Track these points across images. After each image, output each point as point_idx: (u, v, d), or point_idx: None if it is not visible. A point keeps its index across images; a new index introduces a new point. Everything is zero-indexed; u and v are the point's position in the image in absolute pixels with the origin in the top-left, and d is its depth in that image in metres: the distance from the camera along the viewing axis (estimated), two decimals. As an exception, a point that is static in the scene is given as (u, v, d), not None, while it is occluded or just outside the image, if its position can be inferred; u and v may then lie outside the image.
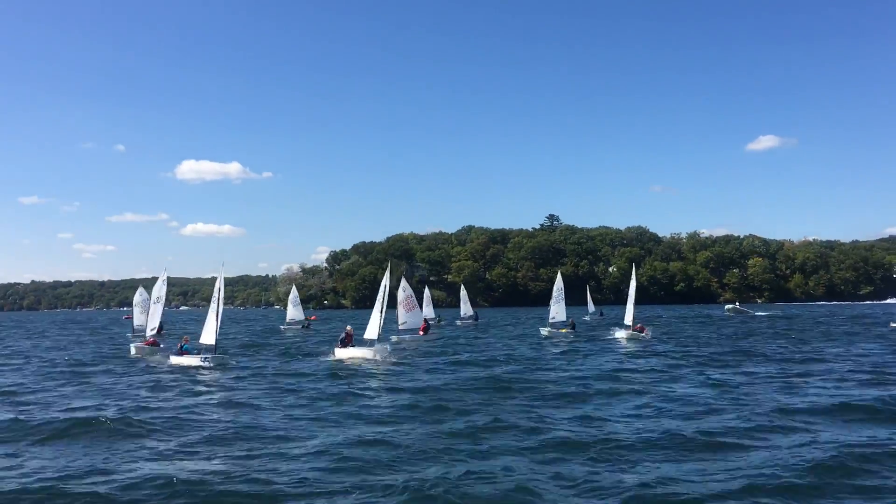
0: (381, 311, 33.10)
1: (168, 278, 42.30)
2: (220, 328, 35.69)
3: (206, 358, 30.33)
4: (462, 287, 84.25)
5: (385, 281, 34.04)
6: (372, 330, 33.16)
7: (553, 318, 53.29)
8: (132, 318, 59.16)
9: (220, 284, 31.79)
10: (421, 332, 49.89)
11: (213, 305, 31.84)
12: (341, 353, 33.03)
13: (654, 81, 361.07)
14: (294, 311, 72.11)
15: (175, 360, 31.81)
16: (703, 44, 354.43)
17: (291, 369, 28.75)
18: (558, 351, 36.72)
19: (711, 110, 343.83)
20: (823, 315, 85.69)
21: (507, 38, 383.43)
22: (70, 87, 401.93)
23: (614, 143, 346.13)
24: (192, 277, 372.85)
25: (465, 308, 78.04)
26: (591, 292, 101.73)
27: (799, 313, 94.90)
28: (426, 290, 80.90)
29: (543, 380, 23.61)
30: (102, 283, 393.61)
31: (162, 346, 38.83)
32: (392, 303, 41.90)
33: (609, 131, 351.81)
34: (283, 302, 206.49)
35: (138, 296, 55.61)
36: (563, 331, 50.73)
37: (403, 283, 51.80)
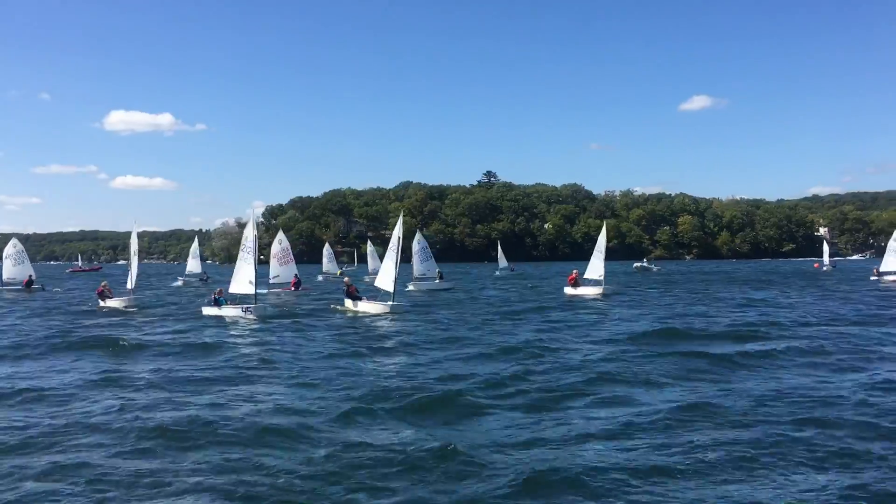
0: (396, 263, 31.43)
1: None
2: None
3: (247, 308, 29.96)
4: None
5: (398, 231, 31.87)
6: (386, 280, 32.33)
7: (423, 274, 53.89)
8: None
9: (251, 232, 31.12)
10: (292, 288, 48.97)
11: (244, 254, 31.35)
12: (360, 306, 32.48)
13: (593, 40, 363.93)
14: (193, 264, 71.81)
15: (210, 311, 31.26)
16: (641, 3, 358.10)
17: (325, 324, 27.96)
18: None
19: (647, 69, 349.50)
20: (713, 271, 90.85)
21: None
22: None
23: (553, 101, 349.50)
24: (122, 231, 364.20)
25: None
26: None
27: (698, 270, 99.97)
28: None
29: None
30: (27, 237, 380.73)
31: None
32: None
33: (548, 89, 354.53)
34: (219, 256, 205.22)
35: (11, 247, 54.41)
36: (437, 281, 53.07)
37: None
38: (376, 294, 34.00)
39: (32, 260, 63.44)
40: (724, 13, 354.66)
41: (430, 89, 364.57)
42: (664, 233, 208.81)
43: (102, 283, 39.82)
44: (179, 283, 65.92)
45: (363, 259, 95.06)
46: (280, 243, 50.30)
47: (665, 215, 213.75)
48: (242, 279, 30.95)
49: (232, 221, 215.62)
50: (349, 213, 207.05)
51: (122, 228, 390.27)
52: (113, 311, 34.76)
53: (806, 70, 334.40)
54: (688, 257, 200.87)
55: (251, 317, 29.36)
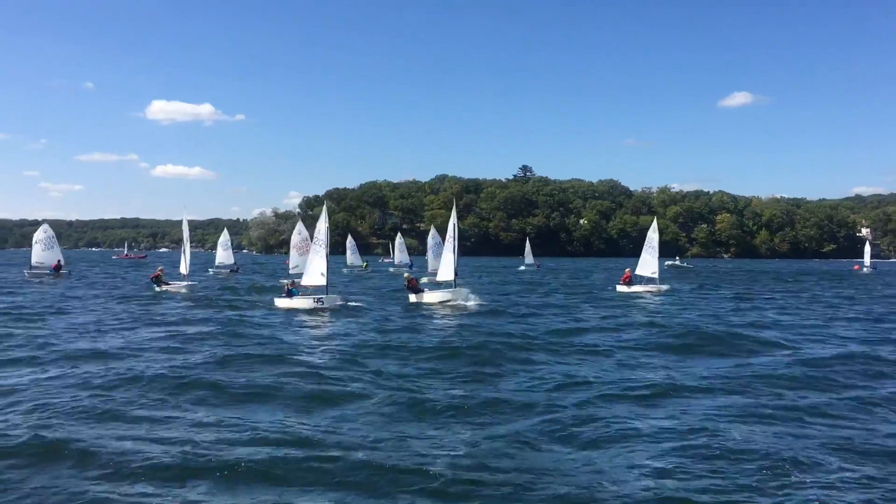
0: (455, 252, 32.59)
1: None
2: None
3: (319, 299, 30.13)
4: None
5: (453, 220, 33.32)
6: (446, 272, 33.16)
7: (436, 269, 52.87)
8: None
9: (323, 224, 31.65)
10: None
11: (316, 247, 31.65)
12: (426, 298, 32.60)
13: (632, 35, 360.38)
14: (224, 255, 71.18)
15: (283, 303, 31.02)
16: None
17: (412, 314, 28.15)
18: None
19: (687, 65, 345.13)
20: (755, 270, 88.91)
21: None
22: (37, 23, 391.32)
23: (590, 96, 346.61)
24: (161, 219, 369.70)
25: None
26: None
27: (735, 268, 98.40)
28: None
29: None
30: (70, 223, 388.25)
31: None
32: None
33: (585, 84, 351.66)
34: (256, 246, 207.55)
35: (42, 233, 55.31)
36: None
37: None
38: (438, 287, 34.35)
39: (74, 246, 64.89)
40: (766, 9, 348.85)
41: (469, 82, 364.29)
42: (701, 231, 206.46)
43: (159, 268, 42.03)
44: (210, 273, 66.61)
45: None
46: (299, 233, 50.10)
47: (703, 213, 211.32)
48: (315, 272, 31.09)
49: (269, 211, 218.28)
50: (384, 206, 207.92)
51: (161, 216, 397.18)
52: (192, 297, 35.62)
53: (850, 68, 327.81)
54: (725, 256, 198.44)
55: (323, 307, 29.67)
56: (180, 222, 45.36)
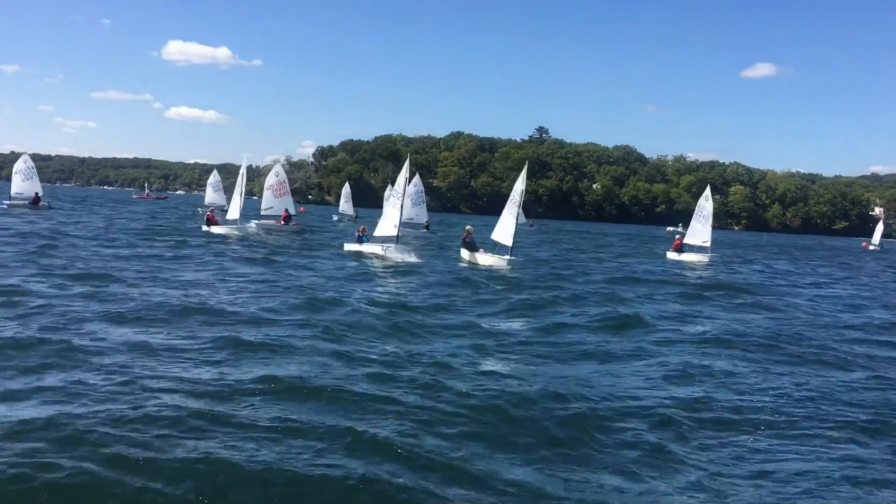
0: (517, 215, 30.84)
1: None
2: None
3: (386, 247, 31.09)
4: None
5: (521, 185, 31.55)
6: (504, 234, 31.06)
7: (410, 218, 53.06)
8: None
9: (403, 177, 32.34)
10: (282, 222, 48.95)
11: (394, 200, 32.46)
12: (479, 258, 30.93)
13: (660, 1, 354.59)
14: (211, 195, 71.46)
15: (352, 247, 33.24)
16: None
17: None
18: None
19: (711, 33, 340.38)
20: (768, 243, 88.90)
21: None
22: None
23: (611, 60, 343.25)
24: (174, 161, 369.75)
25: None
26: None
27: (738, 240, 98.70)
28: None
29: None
30: (83, 160, 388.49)
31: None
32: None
33: (606, 47, 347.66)
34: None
35: (21, 163, 54.35)
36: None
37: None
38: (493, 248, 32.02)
39: (87, 184, 64.99)
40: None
41: (488, 38, 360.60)
42: (714, 201, 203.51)
43: (210, 209, 45.82)
44: (199, 212, 65.72)
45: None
46: (277, 175, 50.86)
47: (716, 183, 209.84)
48: (388, 223, 32.01)
49: (282, 159, 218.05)
50: (398, 159, 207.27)
51: (174, 158, 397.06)
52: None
53: (875, 45, 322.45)
54: (736, 228, 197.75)
55: (389, 254, 30.50)
56: (192, 164, 47.02)
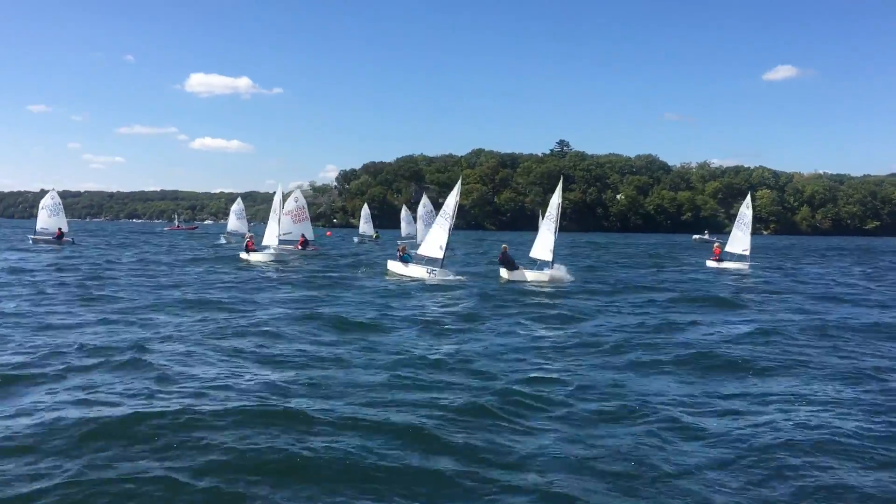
0: (555, 232, 30.33)
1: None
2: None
3: (432, 270, 30.66)
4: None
5: (558, 200, 31.07)
6: (543, 250, 30.86)
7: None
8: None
9: (453, 199, 31.42)
10: (299, 247, 49.90)
11: (442, 220, 31.84)
12: (515, 276, 30.75)
13: (676, 7, 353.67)
14: (235, 223, 71.54)
15: (396, 267, 33.16)
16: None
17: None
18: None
19: (730, 38, 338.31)
20: (804, 246, 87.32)
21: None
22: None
23: (629, 70, 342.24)
24: (200, 192, 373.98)
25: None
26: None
27: (773, 245, 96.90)
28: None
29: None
30: (111, 195, 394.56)
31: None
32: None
33: (624, 57, 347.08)
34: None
35: (49, 199, 55.25)
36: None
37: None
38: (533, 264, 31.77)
39: (115, 218, 65.84)
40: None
41: (505, 56, 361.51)
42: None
43: (248, 236, 45.07)
44: (222, 240, 66.11)
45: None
46: (296, 201, 52.12)
47: (742, 188, 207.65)
48: (433, 243, 31.42)
49: (306, 185, 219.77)
50: (421, 179, 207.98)
51: (200, 189, 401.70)
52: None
53: (894, 42, 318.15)
54: (765, 232, 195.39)
55: (434, 277, 30.00)
56: (218, 194, 47.65)
